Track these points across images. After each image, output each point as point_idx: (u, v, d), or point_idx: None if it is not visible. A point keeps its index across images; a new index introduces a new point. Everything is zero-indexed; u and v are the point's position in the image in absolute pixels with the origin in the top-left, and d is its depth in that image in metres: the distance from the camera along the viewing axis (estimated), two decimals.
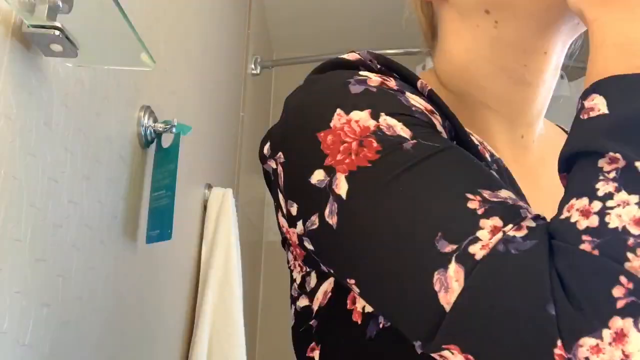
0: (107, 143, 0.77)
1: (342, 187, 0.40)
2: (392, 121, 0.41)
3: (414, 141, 0.40)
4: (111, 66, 0.74)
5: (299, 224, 0.45)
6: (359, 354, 0.44)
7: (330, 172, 0.41)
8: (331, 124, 0.42)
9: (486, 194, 0.38)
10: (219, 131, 1.49)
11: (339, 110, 0.42)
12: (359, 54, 0.50)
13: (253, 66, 1.95)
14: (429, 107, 0.45)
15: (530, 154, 0.57)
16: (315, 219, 0.42)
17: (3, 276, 0.53)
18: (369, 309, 0.44)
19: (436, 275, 0.35)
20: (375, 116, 0.42)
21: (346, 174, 0.40)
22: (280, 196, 0.47)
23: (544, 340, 0.32)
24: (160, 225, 0.87)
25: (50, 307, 0.63)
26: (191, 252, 1.23)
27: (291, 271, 0.54)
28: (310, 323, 0.50)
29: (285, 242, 0.53)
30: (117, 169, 0.80)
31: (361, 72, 0.46)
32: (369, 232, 0.39)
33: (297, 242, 0.48)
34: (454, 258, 0.35)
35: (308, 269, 0.50)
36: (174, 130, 0.90)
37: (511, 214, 0.37)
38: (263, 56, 2.09)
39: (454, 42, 0.55)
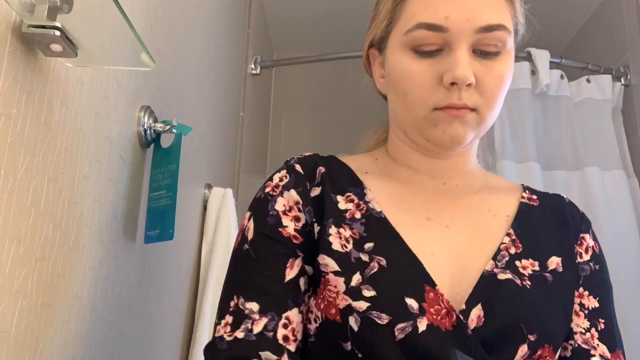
0: (107, 143, 0.77)
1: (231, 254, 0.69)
2: (250, 224, 0.67)
3: (246, 247, 0.66)
4: (111, 66, 0.74)
5: None
6: None
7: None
8: (245, 214, 0.70)
9: (239, 301, 0.62)
10: (219, 131, 1.49)
11: (249, 207, 0.70)
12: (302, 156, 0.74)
13: (253, 66, 1.95)
14: (290, 204, 0.67)
15: (454, 195, 0.72)
16: None
17: (3, 276, 0.53)
18: None
19: None
20: (249, 218, 0.68)
21: (233, 247, 0.69)
22: None
23: None
24: (161, 225, 0.87)
25: (51, 307, 0.63)
26: (191, 252, 1.23)
27: None
28: None
29: None
30: (117, 169, 0.80)
31: (274, 175, 0.71)
32: None
33: None
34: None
35: None
36: (174, 130, 0.90)
37: (239, 321, 0.61)
38: (263, 56, 2.09)
39: (391, 126, 0.77)
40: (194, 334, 1.18)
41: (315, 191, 0.68)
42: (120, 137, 0.82)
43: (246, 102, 1.85)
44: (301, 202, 0.67)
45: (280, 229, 0.65)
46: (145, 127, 0.89)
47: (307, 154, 0.73)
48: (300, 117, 2.54)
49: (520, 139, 1.67)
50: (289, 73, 2.55)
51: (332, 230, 0.64)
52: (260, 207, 0.67)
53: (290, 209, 0.66)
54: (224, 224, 1.28)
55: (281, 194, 0.67)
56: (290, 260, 0.64)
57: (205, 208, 1.32)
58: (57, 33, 0.52)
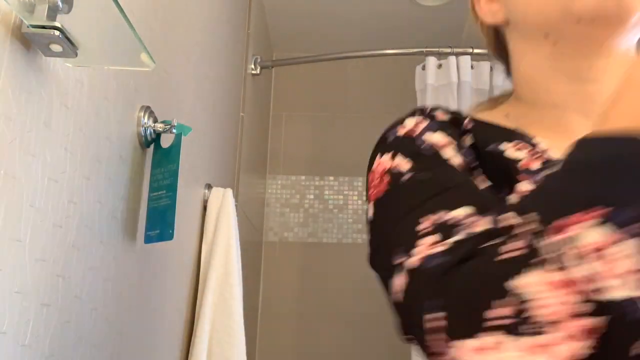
0: (107, 143, 0.77)
1: (370, 211, 0.53)
2: (400, 160, 0.52)
3: (409, 174, 0.51)
4: (111, 66, 0.74)
5: None
6: None
7: (369, 202, 0.54)
8: (373, 167, 0.55)
9: (436, 216, 0.45)
10: (219, 131, 1.49)
11: (378, 156, 0.55)
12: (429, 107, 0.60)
13: (253, 66, 1.95)
14: (444, 141, 0.53)
15: None
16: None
17: (3, 276, 0.53)
18: None
19: (389, 282, 0.45)
20: (393, 157, 0.53)
21: (373, 201, 0.53)
22: None
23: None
24: (161, 225, 0.87)
25: (50, 307, 0.63)
26: (191, 252, 1.23)
27: None
28: None
29: None
30: (117, 169, 0.80)
31: (407, 120, 0.57)
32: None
33: None
34: (400, 268, 0.44)
35: None
36: (174, 130, 0.90)
37: (447, 232, 0.43)
38: (263, 56, 2.09)
39: (520, 59, 0.62)
40: (194, 334, 1.18)
41: (467, 140, 0.56)
42: (120, 137, 0.82)
43: (246, 102, 1.85)
44: (455, 143, 0.53)
45: (444, 159, 0.51)
46: (145, 127, 0.89)
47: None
48: (300, 117, 2.55)
49: None
50: (289, 73, 2.55)
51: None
52: (404, 143, 0.53)
53: (445, 146, 0.53)
54: (224, 224, 1.28)
55: (423, 134, 0.54)
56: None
57: (205, 208, 1.32)
58: (57, 33, 0.52)
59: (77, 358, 0.70)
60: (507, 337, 0.34)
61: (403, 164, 0.52)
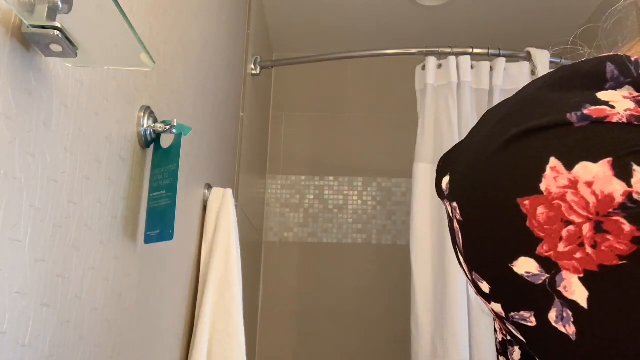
0: (107, 143, 0.77)
1: (576, 292, 0.28)
2: None
3: None
4: (111, 66, 0.74)
5: (496, 305, 0.34)
6: None
7: (550, 266, 0.29)
8: (542, 187, 0.28)
9: None
10: (219, 131, 1.49)
11: (553, 162, 0.28)
12: (609, 57, 0.31)
13: (253, 66, 1.95)
14: None
15: None
16: (529, 316, 0.31)
17: (3, 276, 0.53)
18: None
19: None
20: (622, 172, 0.26)
21: (580, 275, 0.28)
22: (460, 256, 0.36)
23: None
24: (161, 225, 0.87)
25: (50, 307, 0.63)
26: (191, 252, 1.23)
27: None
28: None
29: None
30: (117, 169, 0.80)
31: (602, 93, 0.29)
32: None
33: (491, 309, 0.36)
34: None
35: (510, 339, 0.39)
36: (174, 130, 0.90)
37: None
38: (263, 56, 2.09)
39: None
40: (194, 334, 1.18)
41: None
42: (120, 137, 0.82)
43: (246, 102, 1.85)
44: None
45: None
46: (145, 127, 0.89)
47: None
48: (300, 117, 2.55)
49: None
50: (289, 73, 2.55)
51: None
52: None
53: None
54: (224, 224, 1.28)
55: None
56: None
57: (205, 208, 1.32)
58: (57, 33, 0.52)
59: (77, 358, 0.70)
60: None
61: None
